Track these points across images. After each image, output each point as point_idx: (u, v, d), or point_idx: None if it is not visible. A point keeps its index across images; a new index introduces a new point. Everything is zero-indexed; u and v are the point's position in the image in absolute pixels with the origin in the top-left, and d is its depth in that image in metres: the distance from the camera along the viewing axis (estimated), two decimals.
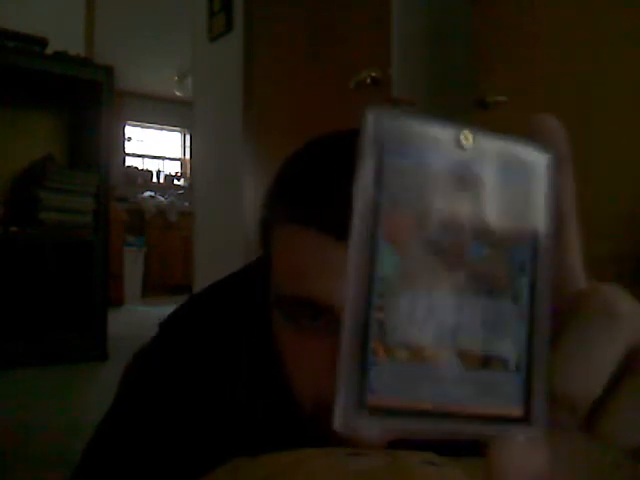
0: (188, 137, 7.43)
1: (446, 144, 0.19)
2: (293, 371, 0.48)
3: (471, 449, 0.37)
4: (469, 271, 0.19)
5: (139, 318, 4.52)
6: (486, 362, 0.20)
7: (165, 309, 0.67)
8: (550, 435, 0.21)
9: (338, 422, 0.18)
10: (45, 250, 3.04)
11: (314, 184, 0.45)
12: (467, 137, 0.20)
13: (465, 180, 0.19)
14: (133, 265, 5.79)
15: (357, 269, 0.18)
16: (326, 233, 0.43)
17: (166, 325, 0.60)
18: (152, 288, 6.11)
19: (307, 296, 0.44)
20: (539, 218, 0.21)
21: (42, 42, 2.98)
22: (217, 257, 2.67)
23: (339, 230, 0.42)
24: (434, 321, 0.19)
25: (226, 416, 0.53)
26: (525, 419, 0.20)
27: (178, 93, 6.74)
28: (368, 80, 2.00)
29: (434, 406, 0.19)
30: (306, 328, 0.46)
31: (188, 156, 7.50)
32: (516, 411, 0.20)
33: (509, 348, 0.20)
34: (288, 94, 2.23)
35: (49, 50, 3.00)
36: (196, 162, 3.18)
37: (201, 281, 2.80)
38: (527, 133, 0.21)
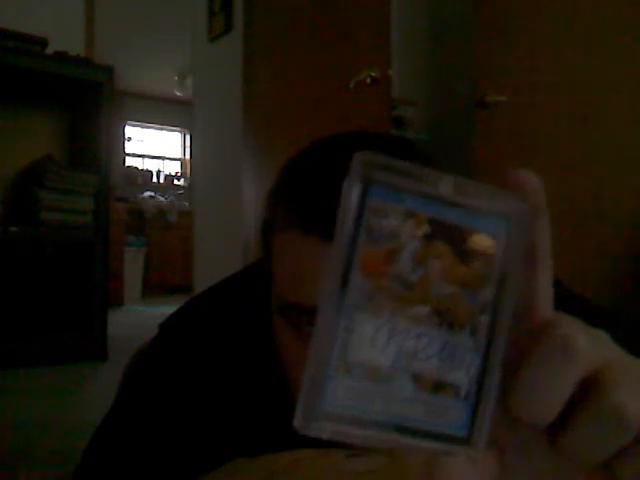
0: (188, 137, 7.43)
1: (427, 190, 0.21)
2: (294, 375, 0.48)
3: None
4: (433, 306, 0.22)
5: (139, 318, 4.52)
6: (438, 387, 0.22)
7: (165, 309, 0.67)
8: (513, 455, 0.24)
9: (296, 423, 0.20)
10: (45, 250, 3.04)
11: (314, 190, 0.45)
12: (447, 185, 0.22)
13: (441, 224, 0.22)
14: (133, 265, 5.79)
15: (330, 294, 0.21)
16: (326, 240, 0.43)
17: (166, 326, 0.60)
18: (152, 288, 6.11)
19: (307, 303, 0.44)
20: (509, 263, 0.23)
21: (42, 42, 2.98)
22: (217, 257, 2.67)
23: None
24: (394, 346, 0.21)
25: (226, 417, 0.53)
26: (467, 440, 0.22)
27: (178, 93, 6.74)
28: (368, 80, 2.00)
29: (383, 420, 0.21)
30: (307, 334, 0.46)
31: (188, 156, 7.50)
32: (460, 433, 0.22)
33: (462, 377, 0.22)
34: (288, 94, 2.23)
35: (49, 50, 3.00)
36: (196, 162, 3.18)
37: (201, 281, 2.80)
38: (505, 184, 0.23)
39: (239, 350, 0.55)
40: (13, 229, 2.86)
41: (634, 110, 1.82)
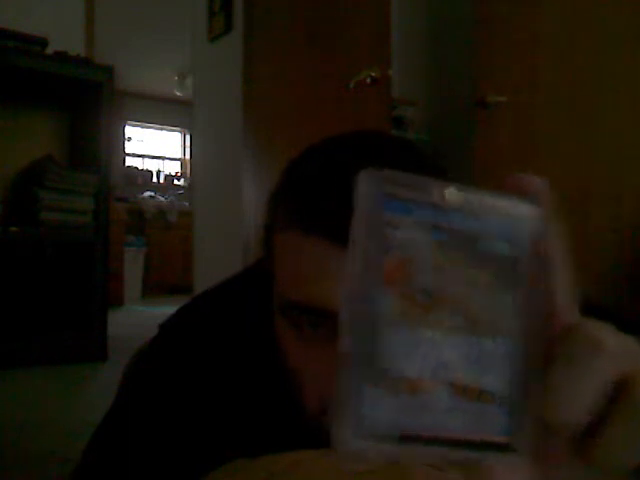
0: (188, 137, 7.43)
1: (437, 200, 0.22)
2: (297, 376, 0.48)
3: None
4: (457, 311, 0.22)
5: (139, 318, 4.52)
6: (473, 394, 0.22)
7: (165, 309, 0.67)
8: (545, 463, 0.23)
9: (337, 448, 0.20)
10: (45, 250, 3.04)
11: (315, 191, 0.45)
12: (453, 193, 0.22)
13: (455, 232, 0.22)
14: (133, 265, 5.79)
15: (354, 308, 0.20)
16: (328, 240, 0.43)
17: (166, 326, 0.60)
18: (152, 288, 6.11)
19: (308, 302, 0.44)
20: (527, 266, 0.23)
21: (42, 42, 2.98)
22: (217, 257, 2.67)
23: (341, 237, 0.42)
24: (427, 356, 0.21)
25: (226, 417, 0.53)
26: (509, 447, 0.22)
27: (178, 93, 6.74)
28: (368, 80, 2.00)
29: (426, 433, 0.21)
30: (309, 335, 0.46)
31: (188, 156, 7.50)
32: (502, 439, 0.22)
33: (495, 382, 0.22)
34: (288, 94, 2.23)
35: (49, 50, 3.00)
36: (196, 162, 3.18)
37: (201, 281, 2.80)
38: (507, 189, 0.23)
39: (239, 350, 0.55)
40: (13, 229, 2.86)
41: (634, 110, 1.82)
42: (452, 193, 0.22)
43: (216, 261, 2.66)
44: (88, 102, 3.16)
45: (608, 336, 0.22)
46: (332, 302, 0.43)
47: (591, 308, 0.26)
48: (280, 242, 0.48)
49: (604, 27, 1.81)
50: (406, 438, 0.20)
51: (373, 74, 1.98)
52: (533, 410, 0.22)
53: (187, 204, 6.35)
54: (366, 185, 0.21)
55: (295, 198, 0.47)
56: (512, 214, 0.23)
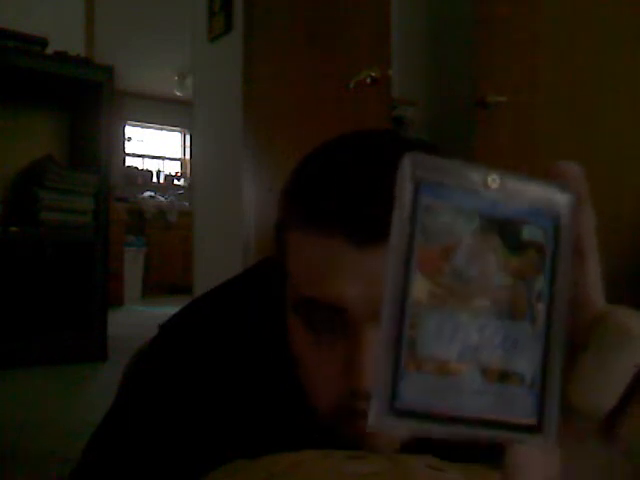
0: (188, 137, 7.43)
1: (475, 186, 0.22)
2: (309, 374, 0.49)
3: (470, 455, 0.37)
4: (492, 297, 0.22)
5: (139, 318, 4.52)
6: (504, 377, 0.22)
7: (165, 309, 0.67)
8: (567, 445, 0.24)
9: (371, 422, 0.21)
10: (45, 250, 3.04)
11: (331, 188, 0.46)
12: (494, 179, 0.22)
13: (491, 218, 0.22)
14: (133, 265, 5.79)
15: (393, 293, 0.21)
16: (343, 236, 0.43)
17: (167, 327, 0.60)
18: (152, 288, 6.11)
19: (322, 298, 0.44)
20: (558, 252, 0.23)
21: (42, 42, 2.98)
22: (217, 257, 2.67)
23: (355, 234, 0.43)
24: (459, 339, 0.22)
25: (226, 417, 0.53)
26: (538, 429, 0.22)
27: (178, 93, 6.74)
28: (368, 80, 1.99)
29: (456, 413, 0.22)
30: (322, 333, 0.46)
31: (188, 156, 7.50)
32: (530, 421, 0.22)
33: (526, 365, 0.23)
34: (288, 94, 2.23)
35: (49, 50, 3.00)
36: (196, 162, 3.18)
37: (201, 281, 2.80)
38: (547, 175, 0.24)
39: (240, 350, 0.55)
40: (13, 229, 2.86)
41: (634, 110, 1.82)
42: (492, 179, 0.22)
43: (216, 261, 2.66)
44: (88, 102, 3.16)
45: (636, 321, 0.23)
46: (343, 298, 0.43)
47: None
48: (294, 240, 0.48)
49: (604, 27, 1.81)
50: (436, 417, 0.21)
51: (373, 74, 1.98)
52: (561, 394, 0.23)
53: (187, 204, 6.35)
54: (407, 170, 0.21)
55: (309, 195, 0.47)
56: (548, 201, 0.23)
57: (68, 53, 3.04)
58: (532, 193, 0.23)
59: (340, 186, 0.45)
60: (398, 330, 0.21)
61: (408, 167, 0.22)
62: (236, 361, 0.55)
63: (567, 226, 0.23)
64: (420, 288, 0.21)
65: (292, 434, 0.49)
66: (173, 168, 7.71)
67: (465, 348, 0.22)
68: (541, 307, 0.23)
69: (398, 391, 0.21)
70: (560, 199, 0.23)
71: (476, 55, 1.88)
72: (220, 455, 0.47)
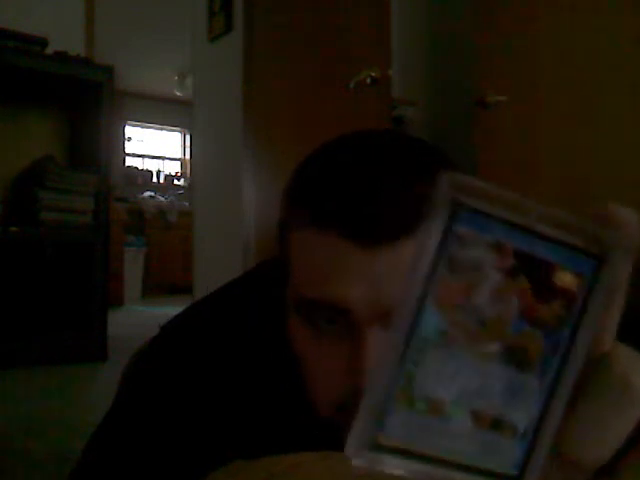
0: (188, 137, 7.43)
1: (516, 219, 0.20)
2: (310, 374, 0.48)
3: None
4: (505, 343, 0.21)
5: (139, 318, 4.52)
6: (497, 425, 0.21)
7: (165, 309, 0.67)
8: None
9: (349, 451, 0.20)
10: (45, 250, 3.04)
11: (334, 188, 0.45)
12: (540, 215, 0.20)
13: (527, 257, 0.20)
14: (133, 265, 5.79)
15: (401, 324, 0.20)
16: (346, 237, 0.43)
17: (168, 327, 0.60)
18: (152, 288, 6.11)
19: (325, 299, 0.44)
20: (590, 304, 0.21)
21: (42, 42, 2.98)
22: (217, 257, 2.67)
23: (359, 235, 0.42)
24: (458, 382, 0.21)
25: (226, 418, 0.53)
26: (519, 479, 0.22)
27: (178, 93, 6.74)
28: (368, 80, 1.99)
29: (438, 455, 0.21)
30: (324, 331, 0.46)
31: (188, 156, 7.50)
32: (512, 471, 0.21)
33: (522, 416, 0.21)
34: (288, 94, 2.23)
35: (49, 50, 3.00)
36: (196, 162, 3.18)
37: (201, 281, 2.80)
38: (600, 219, 0.22)
39: (240, 351, 0.56)
40: (13, 229, 2.86)
41: (634, 110, 1.82)
42: (540, 215, 0.20)
43: (216, 261, 2.66)
44: (88, 102, 3.16)
45: (638, 374, 0.22)
46: (347, 299, 0.43)
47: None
48: (296, 240, 0.48)
49: (604, 27, 1.81)
50: (417, 456, 0.20)
51: (373, 74, 1.98)
52: (555, 442, 0.22)
53: (187, 204, 6.35)
54: (445, 192, 0.19)
55: (311, 196, 0.47)
56: (595, 248, 0.21)
57: (68, 53, 3.04)
58: (579, 235, 0.21)
59: (342, 186, 0.45)
60: (399, 363, 0.20)
61: (446, 189, 0.19)
62: (236, 361, 0.55)
63: (609, 278, 0.21)
64: (432, 323, 0.20)
65: (292, 434, 0.49)
66: (173, 168, 7.71)
67: (463, 392, 0.21)
68: (555, 360, 0.21)
69: (384, 425, 0.20)
70: (608, 247, 0.21)
71: (476, 55, 1.88)
72: (220, 455, 0.47)
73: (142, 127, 7.39)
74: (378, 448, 0.20)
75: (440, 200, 0.20)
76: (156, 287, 6.15)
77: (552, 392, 0.22)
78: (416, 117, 2.50)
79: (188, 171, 7.39)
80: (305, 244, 0.47)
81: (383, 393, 0.20)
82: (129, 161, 7.25)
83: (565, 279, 0.21)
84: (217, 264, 2.63)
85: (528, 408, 0.21)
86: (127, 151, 7.20)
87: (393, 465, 0.20)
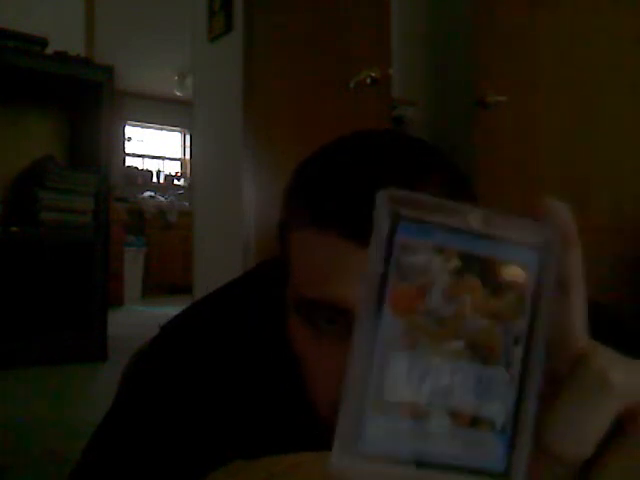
0: (188, 137, 7.43)
1: (456, 224, 0.22)
2: (310, 374, 0.48)
3: None
4: (467, 340, 0.22)
5: (139, 318, 4.52)
6: (475, 422, 0.22)
7: (165, 309, 0.67)
8: None
9: (332, 464, 0.20)
10: (45, 250, 3.04)
11: (334, 188, 0.45)
12: (476, 218, 0.22)
13: (472, 257, 0.22)
14: (133, 265, 5.79)
15: (363, 333, 0.21)
16: (346, 237, 0.43)
17: (168, 327, 0.60)
18: (152, 288, 6.11)
19: (325, 300, 0.44)
20: (541, 294, 0.22)
21: (42, 42, 2.98)
22: (217, 257, 2.67)
23: (359, 235, 0.42)
24: (429, 382, 0.21)
25: (226, 418, 0.53)
26: (506, 475, 0.22)
27: (178, 93, 6.74)
28: (368, 80, 2.00)
29: (422, 457, 0.21)
30: (324, 331, 0.46)
31: (188, 156, 7.50)
32: (498, 467, 0.22)
33: (497, 410, 0.22)
34: (288, 94, 2.23)
35: (49, 50, 3.00)
36: (196, 162, 3.18)
37: (201, 281, 2.80)
38: (533, 214, 0.23)
39: (240, 351, 0.56)
40: (13, 229, 2.86)
41: (634, 110, 1.82)
42: (474, 218, 0.22)
43: (216, 261, 2.66)
44: (88, 102, 3.16)
45: (615, 370, 0.22)
46: (347, 299, 0.43)
47: (604, 318, 0.26)
48: (297, 240, 0.48)
49: (604, 27, 1.81)
50: (401, 460, 0.21)
51: (373, 74, 1.98)
52: (536, 438, 0.22)
53: (187, 204, 6.35)
54: (383, 206, 0.21)
55: (312, 196, 0.47)
56: (533, 241, 0.22)
57: (68, 53, 3.04)
58: (516, 231, 0.22)
59: (342, 186, 0.45)
60: (366, 371, 0.21)
61: (386, 203, 0.21)
62: (236, 361, 0.55)
63: (551, 265, 0.23)
64: (392, 328, 0.21)
65: (292, 434, 0.49)
66: (173, 168, 7.71)
67: (435, 392, 0.21)
68: (517, 351, 0.22)
69: (363, 433, 0.20)
70: (545, 238, 0.23)
71: (476, 55, 1.88)
72: (220, 455, 0.47)
73: (142, 127, 7.38)
74: (362, 457, 0.20)
75: (381, 214, 0.21)
76: (156, 287, 6.15)
77: (522, 383, 0.22)
78: (416, 117, 2.50)
79: (188, 171, 7.38)
80: (305, 244, 0.47)
81: (357, 403, 0.21)
82: (129, 161, 7.25)
83: (512, 272, 0.22)
84: (217, 264, 2.63)
85: (502, 401, 0.22)
86: (127, 151, 7.20)
87: (378, 472, 0.21)
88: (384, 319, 0.21)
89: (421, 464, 0.21)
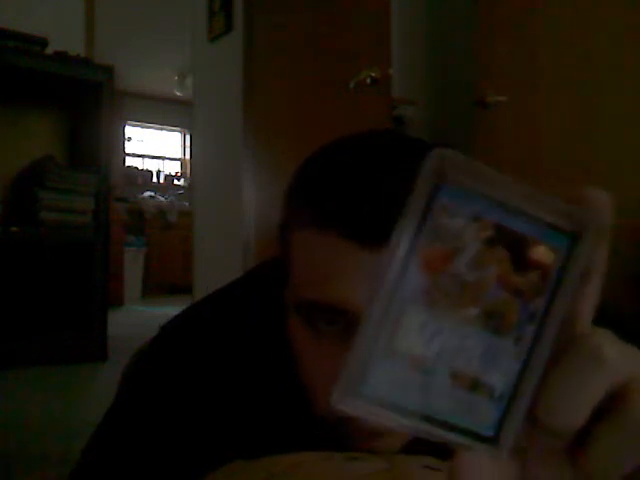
0: (188, 137, 7.43)
1: (497, 196, 0.22)
2: (309, 374, 0.49)
3: None
4: (484, 308, 0.22)
5: (139, 318, 4.52)
6: (474, 386, 0.23)
7: (165, 309, 0.67)
8: (535, 461, 0.24)
9: (333, 400, 0.21)
10: (45, 250, 3.04)
11: (335, 188, 0.45)
12: (518, 192, 0.22)
13: (505, 231, 0.22)
14: (133, 265, 5.79)
15: (388, 281, 0.21)
16: (347, 238, 0.43)
17: (168, 327, 0.60)
18: (152, 288, 6.11)
19: (326, 301, 0.44)
20: (565, 279, 0.23)
21: (42, 42, 2.98)
22: (217, 257, 2.67)
23: (359, 235, 0.42)
24: (438, 341, 0.22)
25: (226, 418, 0.53)
26: (494, 440, 0.23)
27: (178, 93, 6.74)
28: (368, 80, 2.00)
29: (416, 409, 0.22)
30: (323, 332, 0.46)
31: (188, 156, 7.50)
32: (487, 432, 0.23)
33: (498, 379, 0.23)
34: (288, 94, 2.23)
35: (49, 50, 3.00)
36: (196, 162, 3.18)
37: (201, 281, 2.80)
38: (576, 199, 0.23)
39: (240, 351, 0.56)
40: (13, 229, 2.86)
41: (634, 110, 1.82)
42: (517, 192, 0.22)
43: (216, 261, 2.66)
44: (88, 102, 3.16)
45: (609, 347, 0.23)
46: (346, 300, 0.43)
47: (602, 308, 0.26)
48: (297, 241, 0.48)
49: (604, 27, 1.81)
50: (397, 408, 0.22)
51: (373, 74, 1.98)
52: (528, 411, 0.23)
53: (187, 204, 6.35)
54: (432, 165, 0.21)
55: (312, 196, 0.47)
56: (569, 225, 0.23)
57: (68, 53, 3.04)
58: (554, 213, 0.23)
59: (343, 187, 0.45)
60: (383, 315, 0.21)
61: (434, 162, 0.21)
62: (236, 361, 0.55)
63: (582, 253, 0.23)
64: (416, 283, 0.21)
65: (292, 434, 0.49)
66: (173, 168, 7.71)
67: (443, 351, 0.22)
68: (530, 329, 0.23)
69: (367, 376, 0.21)
70: (582, 225, 0.23)
71: (476, 55, 1.88)
72: (220, 455, 0.47)
73: (142, 127, 7.38)
74: (362, 398, 0.21)
75: (427, 171, 0.21)
76: (156, 287, 6.15)
77: (528, 359, 0.23)
78: (416, 117, 2.50)
79: (188, 171, 7.38)
80: (305, 244, 0.47)
81: (368, 345, 0.21)
82: (129, 161, 7.25)
83: (541, 252, 0.23)
84: (217, 264, 2.63)
85: (505, 372, 0.23)
86: (127, 151, 7.20)
87: (375, 414, 0.21)
88: (411, 271, 0.21)
89: (415, 415, 0.22)
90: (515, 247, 0.22)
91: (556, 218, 0.23)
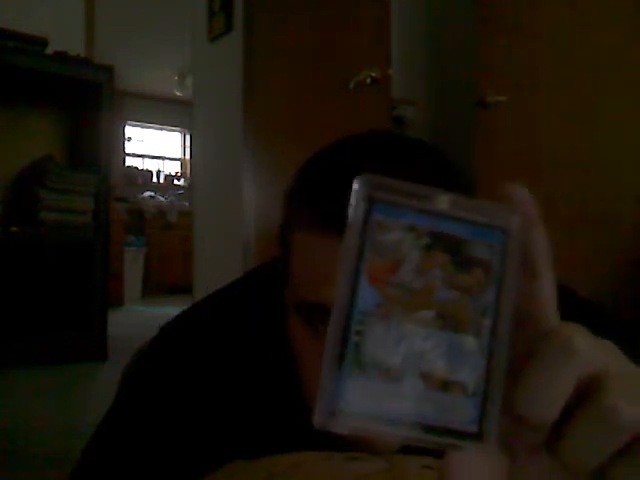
0: (188, 137, 7.43)
1: (426, 206, 0.24)
2: (309, 374, 0.48)
3: None
4: (437, 310, 0.24)
5: (139, 318, 4.53)
6: (447, 385, 0.23)
7: (165, 309, 0.67)
8: (518, 455, 0.25)
9: (316, 422, 0.22)
10: (45, 250, 3.04)
11: (335, 189, 0.45)
12: (444, 201, 0.24)
13: (441, 236, 0.24)
14: (133, 265, 5.79)
15: (341, 301, 0.23)
16: (341, 240, 0.43)
17: (168, 327, 0.60)
18: (152, 288, 6.11)
19: (324, 302, 0.44)
20: (506, 269, 0.25)
21: (42, 42, 2.98)
22: (217, 257, 2.67)
23: None
24: (403, 347, 0.23)
25: (225, 418, 0.53)
26: (479, 436, 0.23)
27: (178, 93, 6.74)
28: (368, 80, 2.00)
29: (397, 417, 0.23)
30: (323, 333, 0.46)
31: (188, 156, 7.50)
32: (471, 428, 0.24)
33: (468, 375, 0.24)
34: (288, 94, 2.23)
35: (49, 50, 3.00)
36: (196, 162, 3.18)
37: (201, 281, 2.80)
38: (498, 198, 0.25)
39: (240, 351, 0.56)
40: (13, 229, 2.86)
41: (634, 110, 1.82)
42: (443, 200, 0.24)
43: (216, 261, 2.66)
44: (88, 102, 3.16)
45: (579, 339, 0.24)
46: None
47: (576, 302, 0.27)
48: (298, 241, 0.48)
49: (604, 27, 1.81)
50: (379, 419, 0.22)
51: (373, 74, 1.98)
52: (503, 404, 0.24)
53: (187, 204, 6.35)
54: (361, 189, 0.23)
55: (312, 197, 0.47)
56: (497, 222, 0.25)
57: (68, 53, 3.04)
58: (481, 214, 0.24)
59: (343, 187, 0.45)
60: (344, 336, 0.22)
61: (362, 187, 0.23)
62: (236, 362, 0.55)
63: (514, 244, 0.25)
64: (367, 298, 0.23)
65: (292, 434, 0.49)
66: (173, 168, 7.71)
67: (409, 356, 0.23)
68: (486, 322, 0.24)
69: (342, 393, 0.22)
70: (508, 219, 0.25)
71: (476, 55, 1.88)
72: (220, 455, 0.47)
73: (142, 127, 7.38)
74: (343, 415, 0.22)
75: (358, 195, 0.23)
76: (156, 287, 6.15)
77: (491, 351, 0.24)
78: (416, 117, 2.50)
79: (188, 171, 7.38)
80: (305, 245, 0.47)
81: (336, 364, 0.22)
82: (129, 161, 7.25)
83: (479, 250, 0.24)
84: (217, 264, 2.63)
85: (473, 367, 0.24)
86: (127, 151, 7.19)
87: (360, 429, 0.22)
88: (361, 287, 0.23)
89: (398, 423, 0.23)
90: (453, 249, 0.24)
91: (484, 217, 0.24)
